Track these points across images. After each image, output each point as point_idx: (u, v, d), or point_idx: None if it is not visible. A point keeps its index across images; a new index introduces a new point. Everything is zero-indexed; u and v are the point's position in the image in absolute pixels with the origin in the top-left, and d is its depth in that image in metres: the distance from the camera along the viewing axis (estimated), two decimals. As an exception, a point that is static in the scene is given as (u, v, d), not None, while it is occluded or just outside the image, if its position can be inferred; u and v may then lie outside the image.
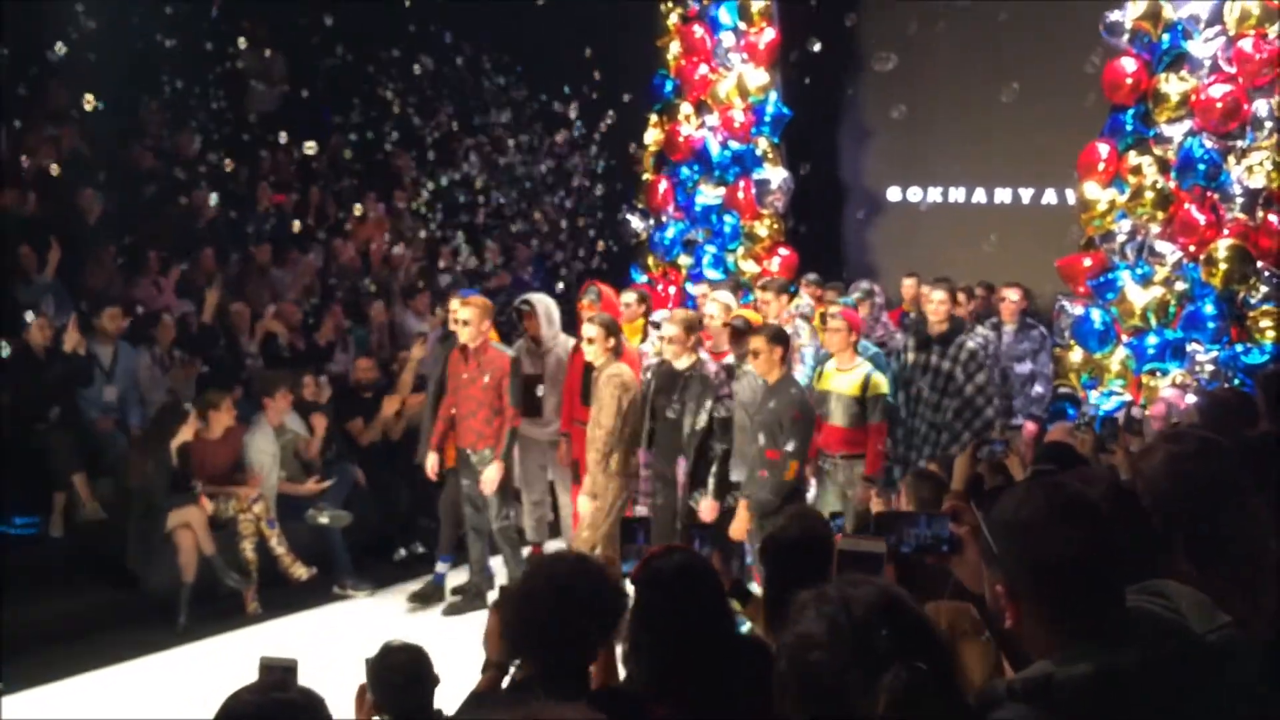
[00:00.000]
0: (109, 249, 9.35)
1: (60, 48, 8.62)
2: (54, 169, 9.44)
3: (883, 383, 7.36)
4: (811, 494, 7.41)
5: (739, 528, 6.77)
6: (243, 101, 11.68)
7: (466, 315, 7.63)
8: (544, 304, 8.26)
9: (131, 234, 9.78)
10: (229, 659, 6.94)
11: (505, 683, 3.15)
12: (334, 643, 7.18)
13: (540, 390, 8.16)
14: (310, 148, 9.67)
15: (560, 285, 11.45)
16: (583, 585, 2.90)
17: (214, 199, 10.07)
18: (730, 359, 7.54)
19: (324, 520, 8.39)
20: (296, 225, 10.47)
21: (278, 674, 2.41)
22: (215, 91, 11.42)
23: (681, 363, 6.96)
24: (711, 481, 6.80)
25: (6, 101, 9.93)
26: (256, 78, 11.66)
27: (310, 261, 10.83)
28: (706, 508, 6.77)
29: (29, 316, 7.83)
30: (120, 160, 10.41)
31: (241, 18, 11.33)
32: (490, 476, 7.63)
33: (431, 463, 7.91)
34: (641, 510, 7.31)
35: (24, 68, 9.90)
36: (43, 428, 7.80)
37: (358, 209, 11.22)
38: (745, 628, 3.87)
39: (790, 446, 6.78)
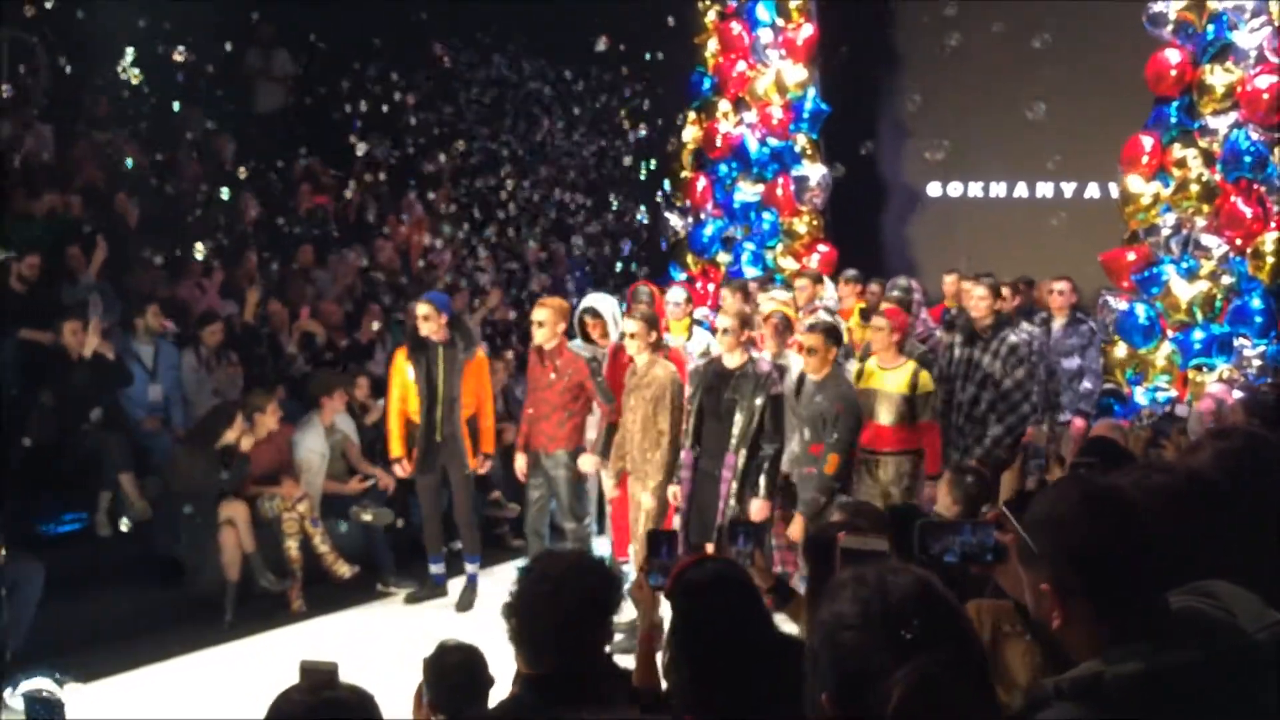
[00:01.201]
0: (152, 251, 9.45)
1: (130, 64, 8.73)
2: (98, 173, 9.57)
3: (930, 380, 7.35)
4: None
5: (795, 531, 6.83)
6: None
7: (541, 316, 7.64)
8: (610, 310, 8.22)
9: (174, 236, 9.88)
10: (274, 657, 7.00)
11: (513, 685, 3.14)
12: (377, 641, 7.23)
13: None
14: (362, 148, 9.73)
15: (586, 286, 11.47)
16: (580, 580, 2.91)
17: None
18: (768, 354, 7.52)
19: (367, 518, 8.44)
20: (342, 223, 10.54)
21: (323, 675, 2.42)
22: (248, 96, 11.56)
23: (732, 360, 6.90)
24: (763, 480, 6.76)
25: (52, 106, 10.08)
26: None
27: (351, 261, 10.90)
28: (758, 508, 6.74)
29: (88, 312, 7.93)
30: (163, 163, 10.52)
31: (273, 20, 11.40)
32: (584, 466, 7.66)
33: (520, 464, 7.91)
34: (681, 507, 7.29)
35: (73, 75, 10.04)
36: (87, 428, 7.89)
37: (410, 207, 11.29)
38: (788, 629, 3.85)
39: (831, 439, 6.79)
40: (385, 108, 10.96)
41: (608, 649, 3.10)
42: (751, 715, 2.73)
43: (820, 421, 6.92)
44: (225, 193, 9.96)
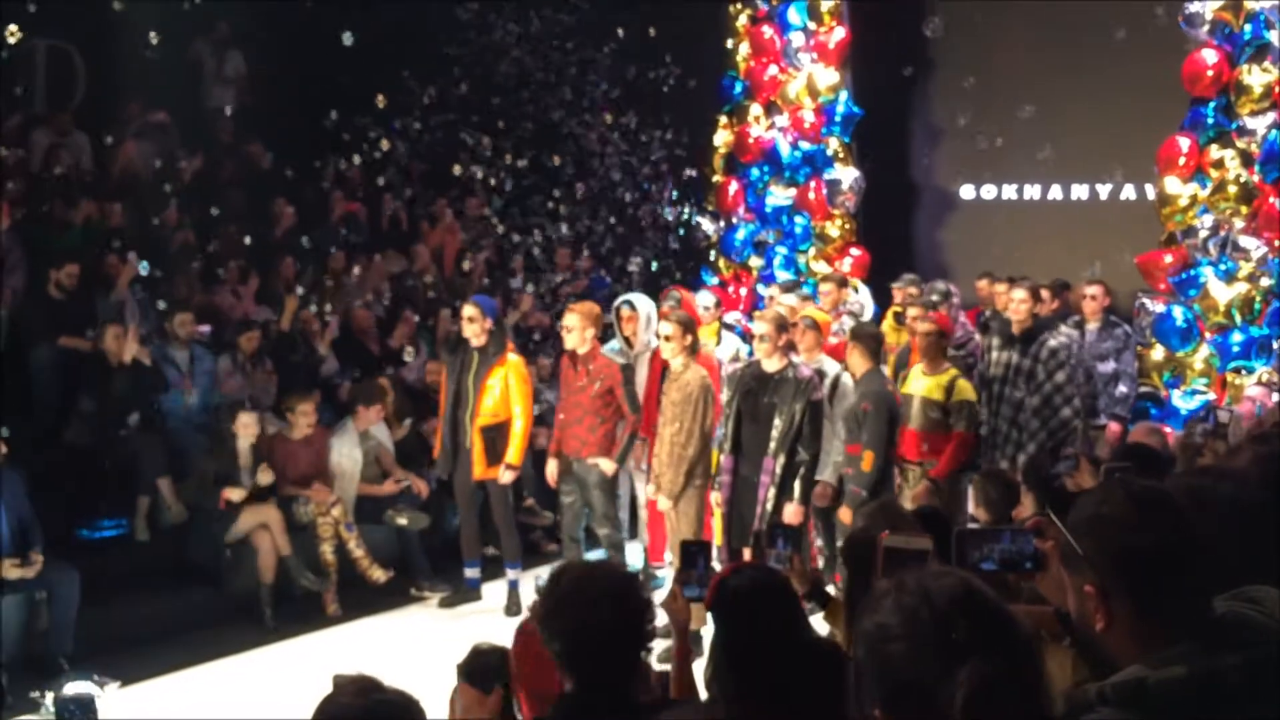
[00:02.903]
0: (190, 259, 9.54)
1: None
2: (136, 181, 9.67)
3: (970, 389, 7.25)
4: None
5: (845, 515, 6.93)
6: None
7: (571, 322, 7.64)
8: (646, 307, 8.22)
9: (211, 244, 9.97)
10: (310, 660, 7.05)
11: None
12: (412, 645, 7.26)
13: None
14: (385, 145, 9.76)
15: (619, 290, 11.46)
16: (612, 593, 2.86)
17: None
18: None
19: (402, 522, 8.48)
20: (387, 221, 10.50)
21: (367, 680, 2.41)
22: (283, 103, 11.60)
23: (771, 364, 6.88)
24: (798, 485, 6.75)
25: (91, 115, 10.19)
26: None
27: (379, 265, 10.95)
28: (791, 512, 6.73)
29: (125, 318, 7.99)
30: (199, 173, 10.61)
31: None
32: (604, 468, 7.64)
33: (552, 470, 7.91)
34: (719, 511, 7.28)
35: (107, 82, 10.15)
36: (125, 433, 7.97)
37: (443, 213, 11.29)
38: (825, 631, 3.84)
39: (864, 437, 6.79)
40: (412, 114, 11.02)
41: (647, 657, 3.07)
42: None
43: (854, 421, 6.94)
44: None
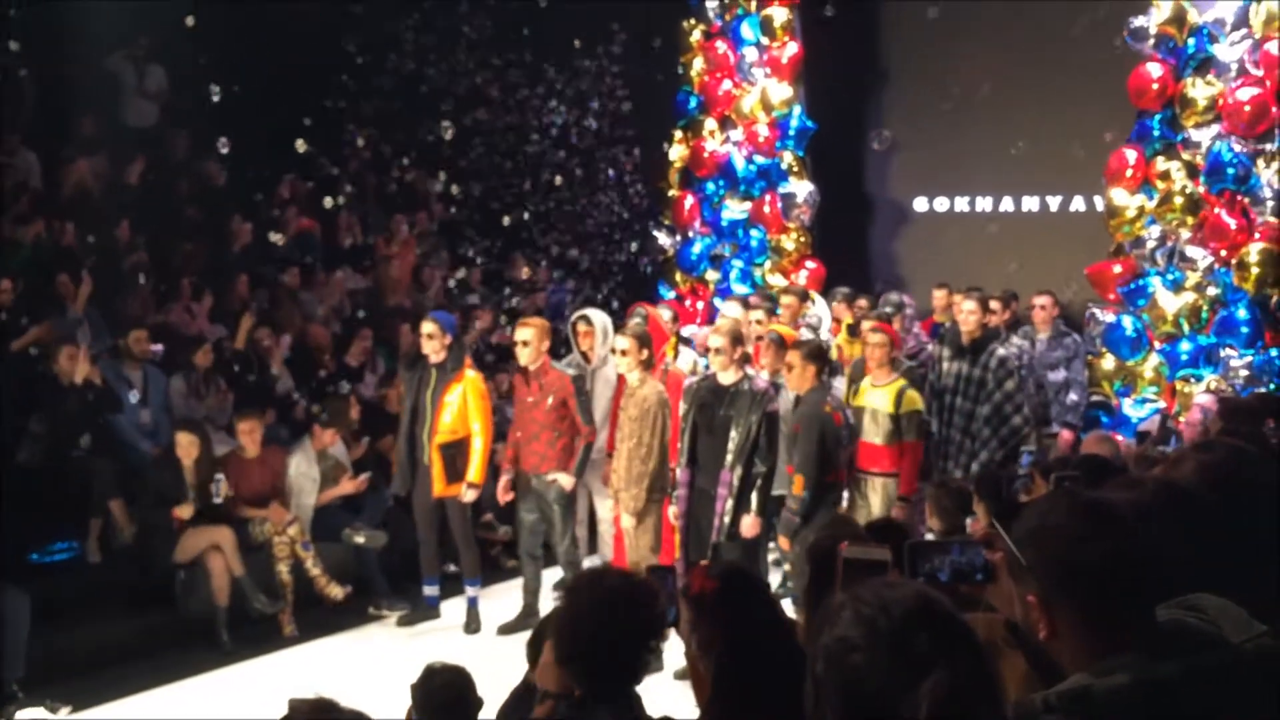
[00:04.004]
0: (141, 277, 9.45)
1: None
2: (85, 199, 9.57)
3: (918, 399, 7.31)
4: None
5: (784, 544, 6.93)
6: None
7: (525, 336, 7.61)
8: (602, 321, 8.23)
9: (163, 262, 9.88)
10: (267, 682, 6.98)
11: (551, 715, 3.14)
12: (370, 664, 7.21)
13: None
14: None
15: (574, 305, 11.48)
16: (630, 600, 2.89)
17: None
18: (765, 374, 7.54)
19: (359, 540, 8.42)
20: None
21: (323, 700, 2.41)
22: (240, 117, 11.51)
23: (727, 377, 6.89)
24: (755, 497, 6.76)
25: (39, 131, 10.09)
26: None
27: (339, 281, 10.91)
28: (748, 524, 6.74)
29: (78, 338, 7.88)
30: (152, 188, 10.52)
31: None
32: (562, 484, 7.64)
33: (503, 482, 7.91)
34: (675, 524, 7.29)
35: (54, 98, 10.05)
36: (77, 454, 7.88)
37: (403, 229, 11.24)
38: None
39: (795, 459, 6.80)
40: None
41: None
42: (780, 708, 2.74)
43: (792, 440, 6.96)
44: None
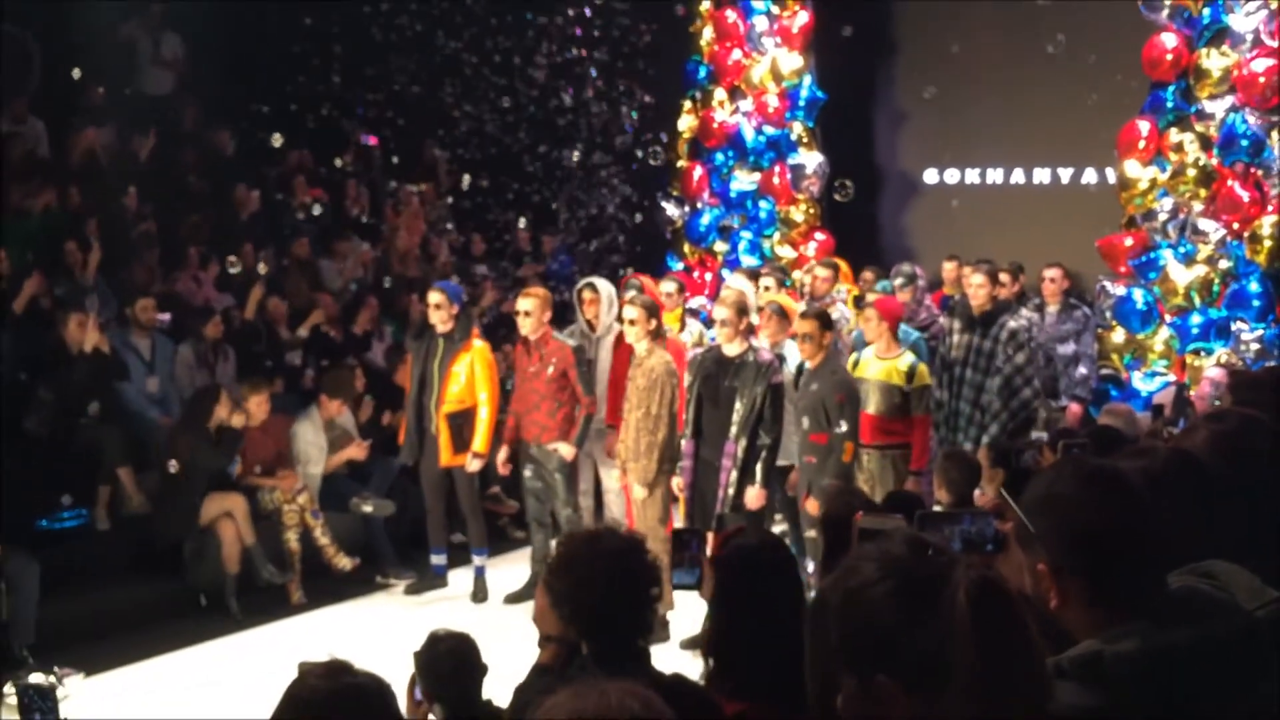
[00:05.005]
0: (150, 245, 9.44)
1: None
2: (95, 167, 9.55)
3: (928, 373, 7.30)
4: None
5: (813, 508, 6.81)
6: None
7: (526, 306, 7.60)
8: (607, 290, 8.19)
9: (172, 230, 9.87)
10: (275, 649, 7.01)
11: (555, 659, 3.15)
12: (377, 632, 7.24)
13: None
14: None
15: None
16: (624, 557, 2.89)
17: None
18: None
19: (367, 509, 8.44)
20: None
21: (338, 662, 2.39)
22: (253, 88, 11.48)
23: (732, 348, 6.88)
24: (759, 469, 6.76)
25: (47, 100, 10.06)
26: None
27: (364, 253, 10.90)
28: (754, 496, 6.74)
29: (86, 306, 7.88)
30: (160, 156, 10.50)
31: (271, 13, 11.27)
32: (563, 453, 7.64)
33: (503, 455, 7.92)
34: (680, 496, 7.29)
35: (64, 66, 10.02)
36: (85, 422, 7.89)
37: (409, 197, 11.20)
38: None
39: (841, 429, 6.79)
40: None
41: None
42: (795, 688, 2.73)
43: (820, 409, 6.92)
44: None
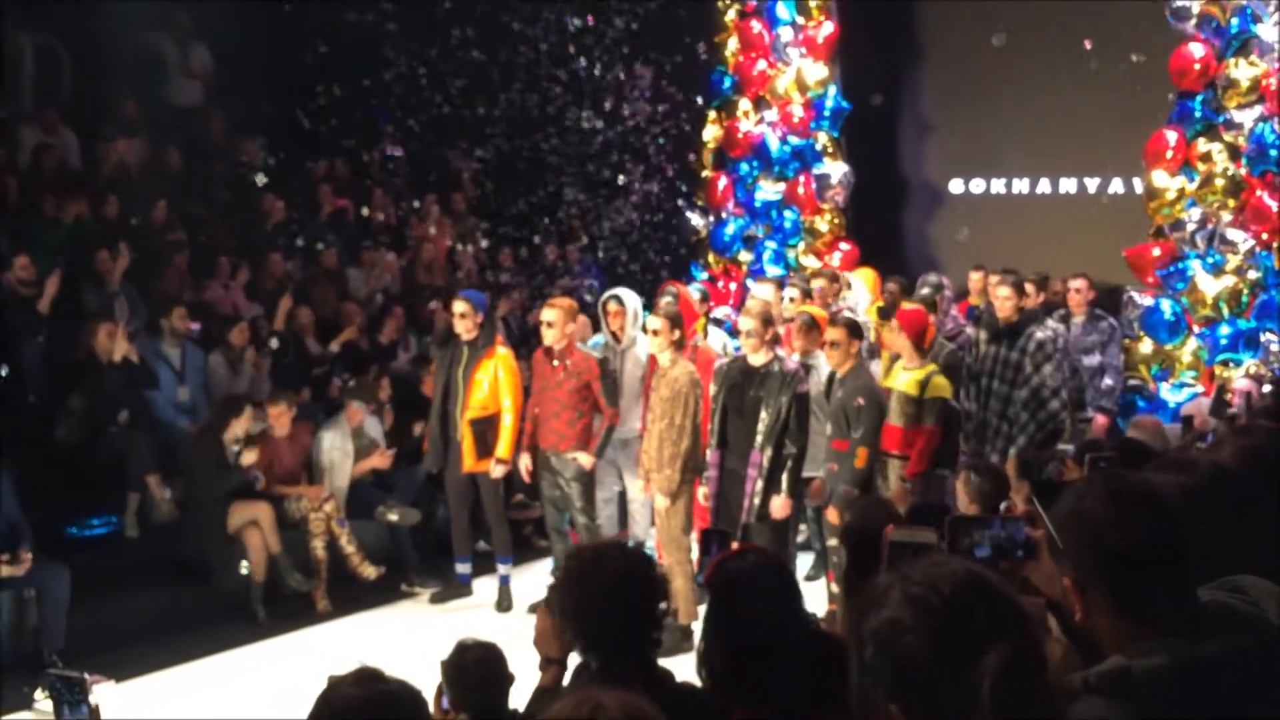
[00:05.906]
0: (179, 254, 9.52)
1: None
2: (126, 177, 9.65)
3: (944, 386, 7.20)
4: None
5: (833, 516, 6.81)
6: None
7: (550, 317, 7.61)
8: (633, 302, 8.21)
9: (200, 239, 9.95)
10: (300, 657, 7.05)
11: (566, 679, 3.16)
12: (402, 641, 7.27)
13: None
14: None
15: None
16: (628, 573, 2.88)
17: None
18: (796, 355, 7.50)
19: (393, 518, 8.48)
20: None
21: (369, 670, 2.40)
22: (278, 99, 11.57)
23: (758, 358, 6.87)
24: (785, 478, 6.75)
25: (80, 111, 10.17)
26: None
27: (390, 263, 10.96)
28: (780, 505, 6.74)
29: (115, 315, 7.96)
30: (190, 168, 10.60)
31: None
32: (582, 462, 7.64)
33: (525, 463, 7.92)
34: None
35: (96, 77, 10.14)
36: (114, 430, 7.96)
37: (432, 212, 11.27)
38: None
39: (857, 433, 6.77)
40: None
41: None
42: (789, 708, 2.73)
43: (842, 416, 6.91)
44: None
